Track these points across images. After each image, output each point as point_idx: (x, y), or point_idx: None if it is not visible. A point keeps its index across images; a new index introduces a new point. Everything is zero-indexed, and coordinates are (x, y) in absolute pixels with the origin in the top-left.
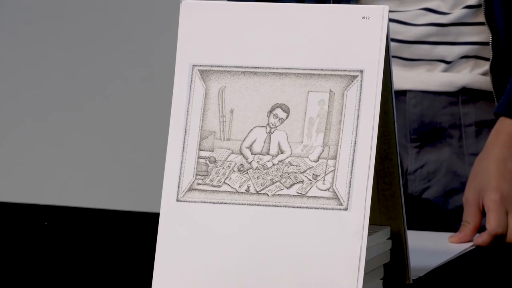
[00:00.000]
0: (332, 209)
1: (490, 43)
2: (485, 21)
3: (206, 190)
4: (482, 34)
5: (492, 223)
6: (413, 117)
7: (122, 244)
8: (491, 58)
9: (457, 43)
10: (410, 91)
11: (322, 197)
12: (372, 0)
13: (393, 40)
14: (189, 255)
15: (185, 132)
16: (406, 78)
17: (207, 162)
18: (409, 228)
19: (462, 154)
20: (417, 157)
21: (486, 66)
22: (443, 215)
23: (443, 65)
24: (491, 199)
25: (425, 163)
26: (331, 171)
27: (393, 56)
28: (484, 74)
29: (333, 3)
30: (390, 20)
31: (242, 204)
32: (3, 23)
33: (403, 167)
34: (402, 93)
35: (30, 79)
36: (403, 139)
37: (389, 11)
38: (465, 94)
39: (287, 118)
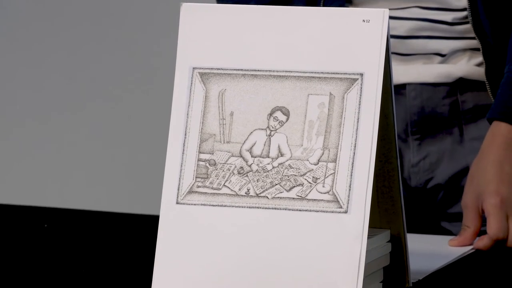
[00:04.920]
0: (332, 212)
1: (481, 50)
2: (473, 30)
3: (206, 192)
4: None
5: (493, 228)
6: (414, 109)
7: (122, 247)
8: (484, 64)
9: (450, 38)
10: (409, 84)
11: (322, 200)
12: (367, 1)
13: None
14: (189, 258)
15: (185, 134)
16: (404, 72)
17: (207, 164)
18: (412, 229)
19: (463, 141)
20: (419, 149)
21: (481, 57)
22: (447, 203)
23: (439, 58)
24: (491, 203)
25: (427, 154)
26: (331, 174)
27: None
28: (479, 65)
29: (324, 5)
30: None
31: (242, 207)
32: (3, 24)
33: (404, 161)
34: (401, 87)
35: (31, 80)
36: (403, 133)
37: None
38: (463, 84)
39: (287, 121)
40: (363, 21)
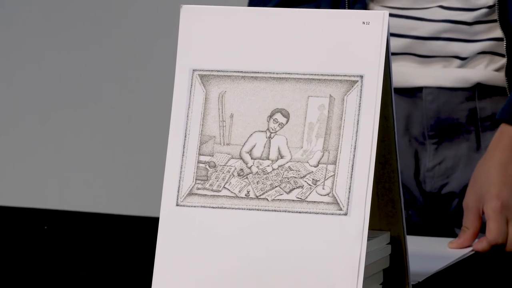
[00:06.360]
0: (332, 214)
1: (505, 46)
2: (499, 24)
3: (205, 194)
4: (498, 31)
5: (493, 233)
6: (430, 113)
7: (122, 249)
8: (506, 62)
9: (471, 40)
10: (426, 87)
11: (321, 202)
12: (385, 1)
13: (408, 36)
14: (189, 260)
15: (185, 136)
16: (421, 75)
17: (207, 166)
18: (424, 232)
19: (479, 148)
20: (436, 153)
21: (501, 61)
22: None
23: (458, 61)
24: (491, 207)
25: (443, 159)
26: (331, 176)
27: (408, 53)
28: (498, 70)
29: (348, 7)
30: (405, 17)
31: (242, 209)
32: (3, 23)
33: (420, 164)
34: (418, 90)
35: (31, 80)
36: (421, 137)
37: (404, 9)
38: (481, 90)
39: (287, 123)
40: (363, 23)
